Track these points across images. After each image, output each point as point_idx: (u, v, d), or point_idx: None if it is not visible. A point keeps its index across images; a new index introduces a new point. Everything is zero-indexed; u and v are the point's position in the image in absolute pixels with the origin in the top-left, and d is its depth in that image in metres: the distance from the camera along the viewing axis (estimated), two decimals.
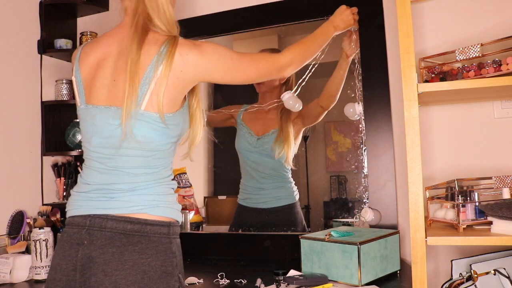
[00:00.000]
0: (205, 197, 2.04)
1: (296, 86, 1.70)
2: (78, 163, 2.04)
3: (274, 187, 1.84)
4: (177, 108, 1.08)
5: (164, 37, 1.09)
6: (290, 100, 1.67)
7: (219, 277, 1.41)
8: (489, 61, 1.16)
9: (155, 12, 1.10)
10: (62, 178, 2.03)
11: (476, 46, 1.19)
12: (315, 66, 1.68)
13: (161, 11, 1.11)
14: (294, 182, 1.82)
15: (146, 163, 1.06)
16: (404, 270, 1.37)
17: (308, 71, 1.69)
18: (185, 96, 1.12)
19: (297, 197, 1.81)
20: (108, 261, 0.97)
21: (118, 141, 1.04)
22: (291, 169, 1.80)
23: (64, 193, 2.02)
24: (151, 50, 1.05)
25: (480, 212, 1.17)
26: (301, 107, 1.68)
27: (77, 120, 1.73)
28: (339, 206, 1.76)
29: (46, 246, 1.56)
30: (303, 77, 1.69)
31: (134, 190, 1.04)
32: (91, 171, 1.08)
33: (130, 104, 1.01)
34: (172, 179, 1.14)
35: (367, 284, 1.23)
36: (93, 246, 0.99)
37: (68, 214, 1.08)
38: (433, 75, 1.27)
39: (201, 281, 1.40)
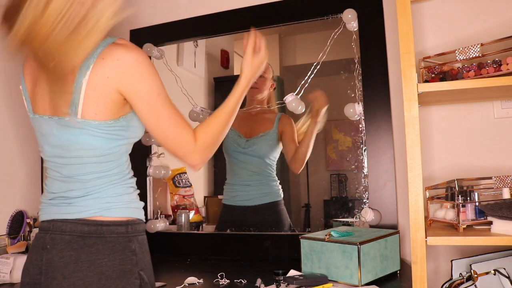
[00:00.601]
0: (205, 197, 2.05)
1: (299, 88, 1.70)
2: None
3: (260, 184, 1.87)
4: (120, 114, 1.04)
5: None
6: (293, 102, 1.67)
7: (219, 277, 1.41)
8: (489, 61, 1.16)
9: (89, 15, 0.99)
10: None
11: (476, 46, 1.19)
12: (317, 67, 1.69)
13: (94, 17, 1.00)
14: (279, 181, 1.85)
15: (95, 168, 1.05)
16: (404, 270, 1.37)
17: (310, 72, 1.69)
18: None
19: (282, 195, 1.84)
20: (66, 264, 0.99)
21: (65, 151, 1.04)
22: (275, 168, 1.85)
23: None
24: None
25: (480, 212, 1.17)
26: (304, 109, 1.70)
27: None
28: (339, 206, 1.76)
29: None
30: (305, 79, 1.70)
31: (87, 195, 1.04)
32: (52, 180, 1.10)
33: (67, 113, 0.99)
34: (131, 177, 1.12)
35: (367, 284, 1.23)
36: (54, 250, 1.01)
37: (38, 220, 1.12)
38: (433, 75, 1.27)
39: (201, 281, 1.40)
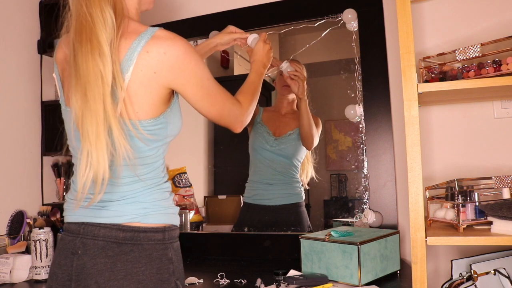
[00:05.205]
0: (205, 197, 2.04)
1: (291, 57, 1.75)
2: None
3: (283, 184, 1.85)
4: (161, 111, 0.98)
5: (142, 27, 0.96)
6: (284, 65, 1.69)
7: (219, 277, 1.40)
8: (489, 61, 1.16)
9: None
10: (62, 178, 2.03)
11: (476, 46, 1.18)
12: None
13: None
14: (301, 183, 1.84)
15: (129, 171, 0.98)
16: (404, 270, 1.37)
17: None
18: (173, 92, 1.03)
19: (304, 197, 1.83)
20: (100, 272, 0.94)
21: None
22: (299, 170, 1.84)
23: (64, 193, 2.02)
24: (122, 45, 0.93)
25: (480, 212, 1.17)
26: (289, 69, 1.70)
27: None
28: (339, 206, 1.76)
29: (46, 246, 1.56)
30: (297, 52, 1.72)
31: (123, 199, 0.98)
32: None
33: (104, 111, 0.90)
34: (166, 181, 1.06)
35: (367, 284, 1.23)
36: (86, 256, 0.95)
37: (64, 220, 1.05)
38: (433, 75, 1.27)
39: (201, 281, 1.40)
